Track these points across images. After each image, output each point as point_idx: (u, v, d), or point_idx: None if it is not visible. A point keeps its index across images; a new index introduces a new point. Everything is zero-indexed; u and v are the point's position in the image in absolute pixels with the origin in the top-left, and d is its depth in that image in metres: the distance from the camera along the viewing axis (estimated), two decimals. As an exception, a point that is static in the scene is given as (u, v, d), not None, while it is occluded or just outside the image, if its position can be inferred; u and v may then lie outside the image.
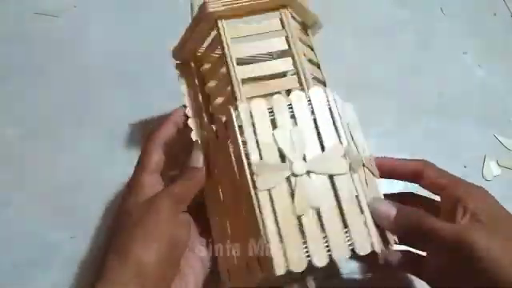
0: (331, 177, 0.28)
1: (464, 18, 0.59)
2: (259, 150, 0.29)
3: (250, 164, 0.28)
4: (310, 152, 0.29)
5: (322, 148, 0.29)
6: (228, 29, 0.33)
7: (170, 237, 0.29)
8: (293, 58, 0.33)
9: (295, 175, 0.28)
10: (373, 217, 0.29)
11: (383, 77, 0.53)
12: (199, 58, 0.40)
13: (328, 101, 0.31)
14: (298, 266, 0.26)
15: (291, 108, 0.30)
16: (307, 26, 0.39)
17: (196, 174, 0.34)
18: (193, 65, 0.40)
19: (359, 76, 0.52)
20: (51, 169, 0.45)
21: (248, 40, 0.33)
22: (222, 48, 0.33)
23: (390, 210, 0.30)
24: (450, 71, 0.54)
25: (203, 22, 0.34)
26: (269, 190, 0.28)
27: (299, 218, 0.27)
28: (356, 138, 0.33)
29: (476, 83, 0.53)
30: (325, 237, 0.27)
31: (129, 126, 0.47)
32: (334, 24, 0.57)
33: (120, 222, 0.30)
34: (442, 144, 0.48)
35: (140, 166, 0.33)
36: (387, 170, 0.35)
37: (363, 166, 0.31)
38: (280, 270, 0.26)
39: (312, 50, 0.38)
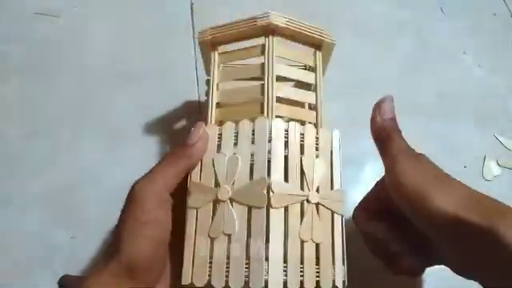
0: (250, 208, 0.29)
1: (464, 17, 0.59)
2: (201, 171, 0.31)
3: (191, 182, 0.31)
4: (239, 181, 0.30)
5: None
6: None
7: (156, 232, 0.29)
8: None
9: (219, 200, 0.29)
10: (375, 106, 0.34)
11: (383, 77, 0.53)
12: None
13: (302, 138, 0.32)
14: (199, 282, 0.28)
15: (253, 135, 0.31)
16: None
17: (186, 152, 0.30)
18: None
19: (359, 76, 0.53)
20: (51, 169, 0.45)
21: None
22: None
23: (387, 113, 0.34)
24: (450, 71, 0.54)
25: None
26: (196, 209, 0.30)
27: (212, 240, 0.29)
28: (319, 171, 0.32)
29: (476, 83, 0.53)
30: (228, 263, 0.28)
31: (129, 125, 0.48)
32: (334, 24, 0.57)
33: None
34: (441, 144, 0.48)
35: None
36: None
37: (307, 202, 0.31)
38: (185, 280, 0.28)
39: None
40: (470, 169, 0.47)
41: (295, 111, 0.34)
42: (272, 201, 0.29)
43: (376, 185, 0.36)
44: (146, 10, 0.56)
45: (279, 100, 0.33)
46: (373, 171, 0.46)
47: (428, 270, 0.32)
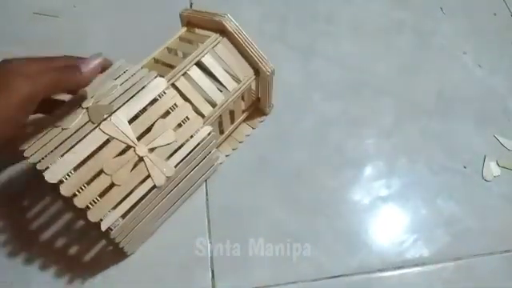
0: (88, 121, 0.33)
1: (464, 17, 0.59)
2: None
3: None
4: (102, 101, 0.34)
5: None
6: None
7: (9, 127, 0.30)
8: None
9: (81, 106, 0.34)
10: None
11: (383, 77, 0.53)
12: None
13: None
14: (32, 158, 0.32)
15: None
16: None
17: (72, 78, 0.32)
18: None
19: (359, 76, 0.53)
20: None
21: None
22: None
23: None
24: (450, 71, 0.54)
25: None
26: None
27: (60, 131, 0.33)
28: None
29: (476, 83, 0.53)
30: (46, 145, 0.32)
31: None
32: (334, 24, 0.57)
33: None
34: (441, 144, 0.48)
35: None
36: None
37: (133, 150, 0.33)
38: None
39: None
40: (470, 169, 0.47)
41: (193, 94, 0.37)
42: (101, 125, 0.32)
43: None
44: (146, 9, 0.56)
45: (189, 80, 0.37)
46: (373, 171, 0.46)
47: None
